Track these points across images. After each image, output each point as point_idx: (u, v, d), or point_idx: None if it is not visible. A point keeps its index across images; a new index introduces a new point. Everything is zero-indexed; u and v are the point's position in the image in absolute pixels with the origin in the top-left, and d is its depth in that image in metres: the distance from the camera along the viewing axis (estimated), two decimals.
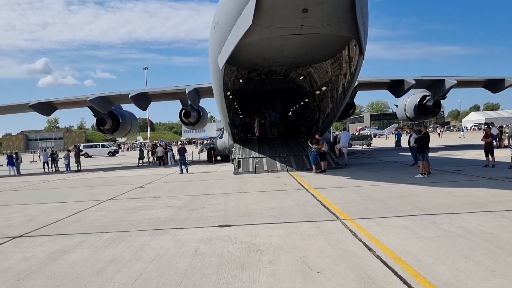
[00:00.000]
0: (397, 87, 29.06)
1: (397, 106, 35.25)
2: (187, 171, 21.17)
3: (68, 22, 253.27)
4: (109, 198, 12.66)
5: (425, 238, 6.13)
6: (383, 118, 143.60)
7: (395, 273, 4.76)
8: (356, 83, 22.53)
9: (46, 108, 28.47)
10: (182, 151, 22.19)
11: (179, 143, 29.35)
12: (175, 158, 26.94)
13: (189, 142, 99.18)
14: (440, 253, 5.41)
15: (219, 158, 29.04)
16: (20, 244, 7.07)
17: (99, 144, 65.25)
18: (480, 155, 19.75)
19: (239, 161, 19.76)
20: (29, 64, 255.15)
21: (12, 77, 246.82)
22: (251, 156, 20.50)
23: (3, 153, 70.20)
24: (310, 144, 17.78)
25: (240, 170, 18.90)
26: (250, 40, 13.48)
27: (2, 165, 38.53)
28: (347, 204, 9.26)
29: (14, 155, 27.41)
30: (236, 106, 32.58)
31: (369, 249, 5.73)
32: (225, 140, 26.53)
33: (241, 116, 31.75)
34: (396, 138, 38.16)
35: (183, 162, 21.55)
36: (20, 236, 7.71)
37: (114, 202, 11.83)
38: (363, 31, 13.08)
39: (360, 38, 13.35)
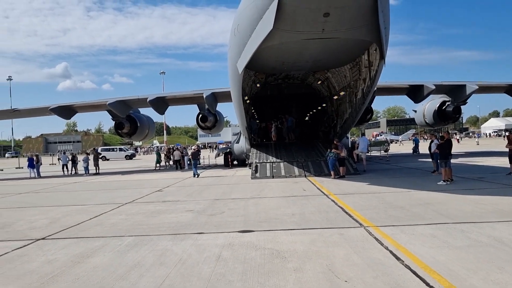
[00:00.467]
0: (416, 92, 28.64)
1: (415, 111, 34.76)
2: (198, 175, 21.21)
3: (88, 28, 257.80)
4: (129, 201, 12.70)
5: (455, 248, 5.94)
6: (399, 124, 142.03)
7: (427, 284, 4.59)
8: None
9: (66, 111, 28.89)
10: (195, 155, 22.53)
11: (193, 147, 29.44)
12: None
13: (205, 146, 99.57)
14: (472, 263, 5.23)
15: (235, 162, 29.01)
16: (43, 247, 7.10)
17: (116, 148, 66.01)
18: (502, 162, 19.31)
19: (256, 166, 19.68)
20: (50, 69, 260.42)
21: (33, 81, 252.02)
22: (268, 161, 20.40)
23: (24, 156, 71.48)
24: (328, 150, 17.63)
25: (257, 175, 18.82)
26: (270, 44, 13.43)
27: (22, 167, 39.26)
28: (370, 211, 9.09)
29: (34, 158, 27.84)
30: (253, 111, 32.56)
31: (397, 258, 5.57)
32: (242, 145, 26.50)
33: (257, 121, 31.72)
34: (414, 144, 37.61)
35: (195, 166, 21.82)
36: (43, 239, 7.75)
37: (133, 205, 11.86)
38: (385, 35, 12.91)
39: (381, 42, 13.18)
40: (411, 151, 36.83)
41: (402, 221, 7.87)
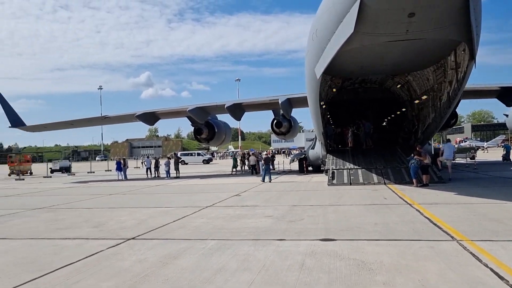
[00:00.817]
0: (508, 95, 26.36)
1: (507, 116, 31.98)
2: (269, 181, 21.45)
3: (168, 39, 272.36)
4: (208, 205, 13.06)
5: None
6: (486, 129, 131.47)
7: None
8: None
9: (150, 118, 30.61)
10: (267, 160, 22.87)
11: (265, 152, 29.72)
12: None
13: (278, 152, 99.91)
14: None
15: (310, 168, 28.71)
16: (134, 246, 7.49)
17: (194, 152, 68.73)
18: None
19: (333, 172, 19.30)
20: (134, 78, 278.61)
21: (120, 90, 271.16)
22: (345, 167, 19.91)
23: (112, 159, 76.98)
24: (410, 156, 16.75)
25: (334, 181, 18.44)
26: (350, 48, 13.13)
27: (111, 170, 42.22)
28: (461, 223, 8.44)
29: (122, 161, 29.83)
30: (329, 116, 32.07)
31: (500, 277, 5.07)
32: (318, 150, 26.17)
33: (333, 126, 31.17)
34: (505, 151, 34.57)
35: (267, 171, 22.13)
36: (133, 238, 8.20)
37: (213, 209, 12.16)
38: (476, 34, 12.01)
39: (472, 42, 12.28)
40: (500, 159, 33.92)
41: (501, 236, 7.19)
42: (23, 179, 34.58)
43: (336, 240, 7.39)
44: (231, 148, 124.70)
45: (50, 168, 42.28)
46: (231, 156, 52.60)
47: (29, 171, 43.50)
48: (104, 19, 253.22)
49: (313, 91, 18.23)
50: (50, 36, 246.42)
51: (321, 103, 21.95)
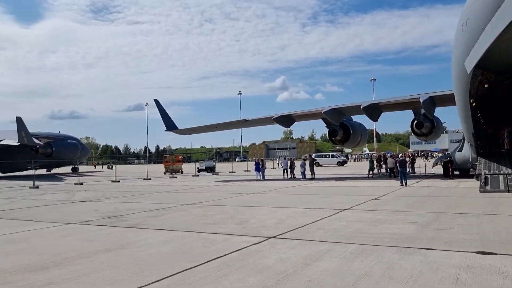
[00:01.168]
0: None
1: None
2: (406, 184, 20.29)
3: (302, 42, 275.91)
4: (346, 207, 12.81)
5: None
6: None
7: None
8: None
9: (286, 120, 31.49)
10: (402, 163, 21.77)
11: (400, 155, 27.94)
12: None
13: (418, 154, 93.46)
14: None
15: (456, 172, 26.18)
16: (275, 245, 7.73)
17: (328, 154, 68.46)
18: None
19: (486, 178, 17.25)
20: (270, 83, 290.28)
21: (257, 95, 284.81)
22: (501, 172, 17.63)
23: (250, 160, 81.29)
24: None
25: (487, 188, 16.47)
26: (509, 37, 11.54)
27: (250, 170, 44.56)
28: None
29: (260, 162, 31.25)
30: (479, 115, 28.76)
31: None
32: (466, 153, 23.72)
33: (484, 126, 27.83)
34: None
35: (402, 175, 21.02)
36: (273, 237, 8.47)
37: (352, 212, 11.89)
38: None
39: None
40: None
41: None
42: (176, 177, 38.65)
43: (496, 254, 6.55)
44: (366, 150, 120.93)
45: (197, 168, 46.50)
46: (366, 158, 50.88)
47: (180, 170, 48.44)
48: (242, 28, 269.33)
49: (461, 88, 16.58)
50: (197, 48, 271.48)
51: (471, 101, 19.80)
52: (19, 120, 42.89)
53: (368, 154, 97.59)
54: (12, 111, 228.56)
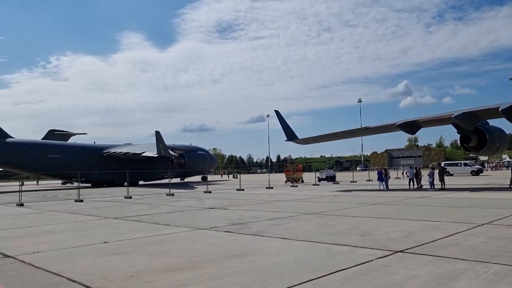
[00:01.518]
0: None
1: None
2: None
3: (427, 43, 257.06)
4: (485, 222, 11.49)
5: None
6: None
7: None
8: None
9: (411, 127, 29.68)
10: None
11: None
12: None
13: None
14: None
15: None
16: (403, 260, 7.25)
17: (460, 162, 62.44)
18: None
19: None
20: (392, 88, 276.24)
21: (377, 101, 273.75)
22: None
23: (371, 169, 78.39)
24: None
25: None
26: None
27: (371, 180, 42.93)
28: None
29: (383, 171, 29.91)
30: None
31: None
32: None
33: None
34: None
35: None
36: (401, 251, 7.96)
37: (492, 227, 10.62)
38: None
39: None
40: None
41: None
42: (296, 186, 39.05)
43: None
44: (506, 157, 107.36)
45: (318, 177, 46.36)
46: (507, 166, 44.99)
47: (301, 179, 48.84)
48: (361, 34, 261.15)
49: None
50: (316, 58, 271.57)
51: None
52: (157, 134, 47.97)
53: (508, 162, 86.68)
54: (152, 125, 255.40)
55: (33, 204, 24.08)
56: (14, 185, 49.88)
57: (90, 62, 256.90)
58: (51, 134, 66.12)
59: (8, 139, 48.34)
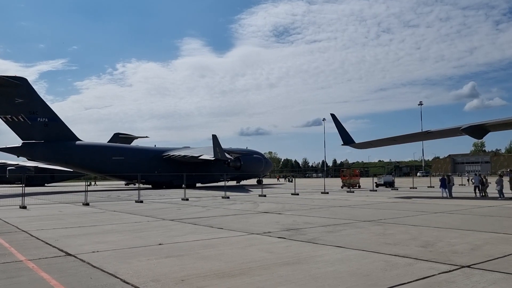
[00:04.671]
0: None
1: None
2: None
3: (496, 42, 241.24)
4: None
5: None
6: None
7: None
8: None
9: (478, 131, 27.82)
10: None
11: None
12: None
13: None
14: None
15: None
16: (470, 277, 6.65)
17: None
18: None
19: None
20: (456, 90, 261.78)
21: (440, 104, 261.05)
22: None
23: (433, 175, 74.77)
24: None
25: None
26: None
27: (433, 187, 40.89)
28: None
29: (446, 178, 28.28)
30: None
31: None
32: None
33: None
34: None
35: None
36: (468, 266, 7.34)
37: None
38: None
39: None
40: None
41: None
42: (353, 192, 38.01)
43: None
44: None
45: (375, 183, 44.85)
46: None
47: (357, 185, 47.53)
48: (423, 34, 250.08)
49: None
50: (374, 60, 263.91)
51: None
52: (214, 138, 48.88)
53: None
54: (209, 129, 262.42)
55: (98, 204, 25.32)
56: (80, 185, 53.02)
57: (152, 68, 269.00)
58: (116, 137, 69.91)
59: (78, 142, 51.54)
